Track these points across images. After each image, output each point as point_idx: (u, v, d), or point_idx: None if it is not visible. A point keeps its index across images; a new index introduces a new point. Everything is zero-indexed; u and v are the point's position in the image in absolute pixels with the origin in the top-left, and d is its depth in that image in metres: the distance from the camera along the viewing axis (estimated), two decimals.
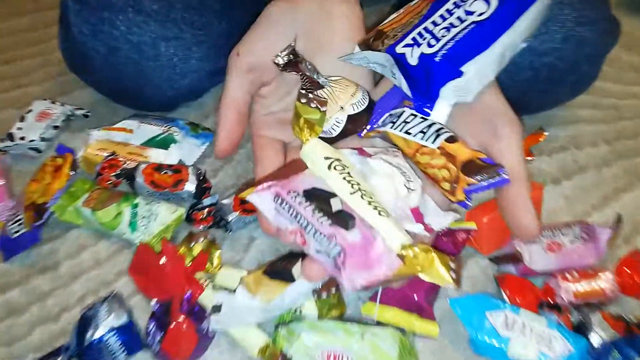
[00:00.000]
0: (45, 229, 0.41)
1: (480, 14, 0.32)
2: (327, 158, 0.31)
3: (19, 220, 0.40)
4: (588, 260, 0.37)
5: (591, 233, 0.38)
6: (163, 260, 0.35)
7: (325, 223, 0.29)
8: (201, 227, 0.41)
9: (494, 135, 0.32)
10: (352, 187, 0.30)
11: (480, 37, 0.32)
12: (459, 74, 0.31)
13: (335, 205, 0.29)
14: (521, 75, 0.45)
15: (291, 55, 0.34)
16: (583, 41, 0.44)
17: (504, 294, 0.37)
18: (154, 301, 0.35)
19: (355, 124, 0.34)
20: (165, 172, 0.43)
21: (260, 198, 0.31)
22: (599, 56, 0.47)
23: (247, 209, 0.41)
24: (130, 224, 0.40)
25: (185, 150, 0.46)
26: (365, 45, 0.36)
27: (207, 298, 0.35)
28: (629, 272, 0.37)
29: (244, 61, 0.36)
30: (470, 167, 0.31)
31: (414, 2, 0.36)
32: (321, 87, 0.34)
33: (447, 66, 0.31)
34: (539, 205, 0.42)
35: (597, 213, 0.44)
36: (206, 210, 0.41)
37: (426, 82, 0.32)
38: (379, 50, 0.34)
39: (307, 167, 0.32)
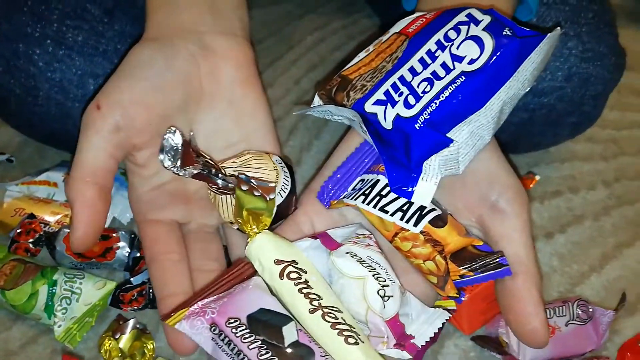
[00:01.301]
0: None
1: (472, 62, 0.25)
2: (278, 262, 0.25)
3: None
4: (587, 347, 0.32)
5: (590, 313, 0.32)
6: None
7: None
8: (130, 309, 0.35)
9: (494, 211, 0.26)
10: (312, 303, 0.24)
11: (472, 94, 0.25)
12: (447, 143, 0.25)
13: (289, 336, 0.23)
14: (514, 117, 0.39)
15: (180, 149, 0.26)
16: (588, 79, 0.38)
17: None
18: None
19: (282, 213, 0.28)
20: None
21: (193, 327, 0.24)
22: (604, 95, 0.41)
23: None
24: (45, 307, 0.34)
25: (119, 206, 0.40)
26: (327, 97, 0.29)
27: None
28: (633, 358, 0.32)
29: (107, 118, 0.28)
30: (462, 256, 0.25)
31: (386, 36, 0.30)
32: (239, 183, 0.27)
33: (432, 135, 0.25)
34: None
35: (595, 276, 0.38)
36: (137, 289, 0.34)
37: (405, 152, 0.26)
38: (344, 106, 0.28)
39: (253, 271, 0.26)
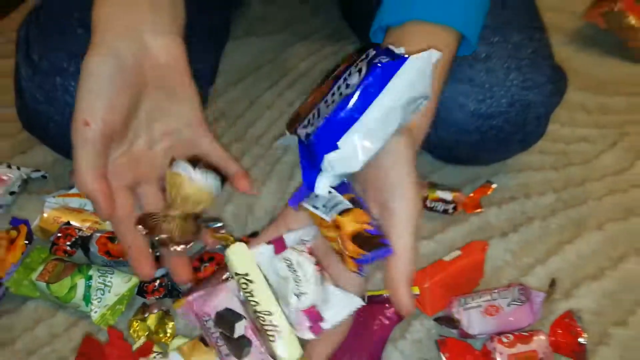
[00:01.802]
0: (2, 303, 0.42)
1: (349, 87, 0.32)
2: (237, 274, 0.34)
3: None
4: (524, 323, 0.39)
5: (527, 296, 0.40)
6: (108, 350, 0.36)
7: (224, 351, 0.33)
8: (153, 298, 0.42)
9: (386, 207, 0.33)
10: (253, 308, 0.33)
11: (350, 109, 0.32)
12: (334, 147, 0.32)
13: (238, 330, 0.33)
14: (470, 137, 0.46)
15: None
16: (529, 105, 0.45)
17: (443, 358, 0.38)
18: None
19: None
20: (119, 241, 0.44)
21: (185, 313, 0.35)
22: (545, 116, 0.48)
23: (199, 277, 0.42)
24: (84, 296, 0.41)
25: None
26: (288, 129, 0.37)
27: None
28: (562, 332, 0.39)
29: (95, 132, 0.35)
30: (358, 239, 0.32)
31: (328, 79, 0.37)
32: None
33: (320, 142, 0.32)
34: (481, 266, 0.43)
35: (540, 267, 0.46)
36: (158, 281, 0.42)
37: (312, 160, 0.34)
38: (292, 134, 0.35)
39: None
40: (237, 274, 0.34)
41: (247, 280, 0.33)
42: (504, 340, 0.38)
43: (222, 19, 0.64)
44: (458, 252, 0.43)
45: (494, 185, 0.50)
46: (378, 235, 0.32)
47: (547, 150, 0.56)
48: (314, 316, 0.33)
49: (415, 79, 0.32)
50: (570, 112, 0.60)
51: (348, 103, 0.32)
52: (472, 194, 0.49)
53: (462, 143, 0.47)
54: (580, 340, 0.38)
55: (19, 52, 0.48)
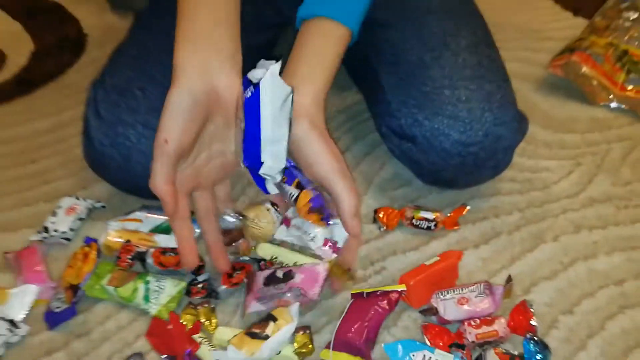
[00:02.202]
0: (79, 303, 0.54)
1: (241, 120, 0.48)
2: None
3: (60, 298, 0.52)
4: (488, 310, 0.50)
5: (490, 290, 0.51)
6: (170, 327, 0.47)
7: (283, 286, 0.49)
8: (197, 297, 0.53)
9: (321, 176, 0.48)
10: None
11: (248, 135, 0.47)
12: (260, 163, 0.48)
13: (279, 273, 0.50)
14: (453, 160, 0.58)
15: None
16: (499, 137, 0.58)
17: (426, 339, 0.49)
18: (164, 357, 0.47)
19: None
20: (169, 254, 0.55)
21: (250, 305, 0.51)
22: (512, 148, 0.60)
23: (233, 282, 0.53)
24: (144, 297, 0.53)
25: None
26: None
27: (202, 353, 0.47)
28: (518, 317, 0.50)
29: (171, 148, 0.45)
30: (311, 212, 0.50)
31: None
32: None
33: (251, 165, 0.49)
34: (456, 269, 0.55)
35: (505, 271, 0.57)
36: (201, 284, 0.53)
37: (255, 174, 0.50)
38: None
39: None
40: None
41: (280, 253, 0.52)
42: (472, 323, 0.49)
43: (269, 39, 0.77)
44: (437, 258, 0.54)
45: (468, 207, 0.61)
46: (319, 205, 0.49)
47: (515, 179, 0.68)
48: (331, 246, 0.50)
49: (274, 89, 0.46)
50: (535, 147, 0.72)
51: (245, 132, 0.47)
52: (450, 214, 0.61)
53: (446, 166, 0.59)
54: (532, 322, 0.49)
55: (89, 107, 0.60)
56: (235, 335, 0.47)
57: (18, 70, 0.90)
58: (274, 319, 0.47)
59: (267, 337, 0.46)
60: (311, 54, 0.53)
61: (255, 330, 0.47)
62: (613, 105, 0.78)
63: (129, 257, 0.56)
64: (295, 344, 0.48)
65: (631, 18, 0.83)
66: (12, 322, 0.51)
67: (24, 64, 0.92)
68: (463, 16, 0.66)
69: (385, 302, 0.50)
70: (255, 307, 0.51)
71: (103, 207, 0.64)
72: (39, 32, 1.01)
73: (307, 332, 0.49)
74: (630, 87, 0.77)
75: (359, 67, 0.72)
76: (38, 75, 0.89)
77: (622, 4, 0.87)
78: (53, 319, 0.52)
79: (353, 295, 0.52)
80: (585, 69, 0.78)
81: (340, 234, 0.50)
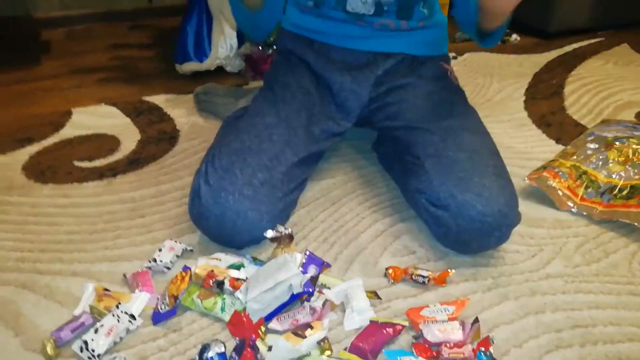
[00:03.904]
0: (177, 310, 0.78)
1: None
2: None
3: (165, 303, 0.77)
4: (460, 339, 0.71)
5: (464, 326, 0.73)
6: (244, 319, 0.71)
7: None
8: None
9: None
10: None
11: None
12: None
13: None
14: (474, 225, 0.83)
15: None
16: (506, 215, 0.83)
17: (414, 351, 0.70)
18: (237, 340, 0.70)
19: None
20: (239, 281, 0.80)
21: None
22: (512, 225, 0.85)
23: None
24: (221, 308, 0.77)
25: (249, 270, 0.84)
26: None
27: (262, 340, 0.70)
28: (480, 345, 0.71)
29: None
30: None
31: None
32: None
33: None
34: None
35: (477, 316, 0.78)
36: None
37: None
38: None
39: None
40: None
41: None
42: (448, 345, 0.71)
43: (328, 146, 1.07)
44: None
45: (452, 271, 0.84)
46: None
47: (493, 256, 0.90)
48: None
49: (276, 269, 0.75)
50: (511, 236, 0.96)
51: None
52: (439, 274, 0.84)
53: (468, 229, 0.83)
54: (490, 350, 0.70)
55: (200, 176, 0.86)
56: (285, 333, 0.70)
57: (129, 153, 1.22)
58: (311, 327, 0.70)
59: (305, 337, 0.69)
60: None
61: (299, 332, 0.70)
62: (574, 210, 1.02)
63: (212, 281, 0.81)
64: (320, 349, 0.70)
65: (592, 147, 1.09)
66: (132, 316, 0.75)
67: (134, 148, 1.24)
68: (484, 134, 0.96)
69: (391, 329, 0.73)
70: (276, 325, 0.73)
71: (191, 250, 0.90)
72: (144, 126, 1.34)
73: (327, 340, 0.71)
74: (587, 199, 1.02)
75: (403, 156, 0.98)
76: (144, 158, 1.20)
77: (588, 137, 1.14)
78: (158, 317, 0.76)
79: (370, 321, 0.75)
80: (553, 182, 1.04)
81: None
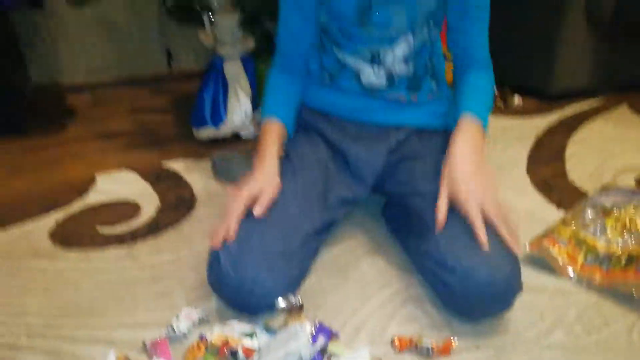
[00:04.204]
0: None
1: None
2: None
3: None
4: None
5: None
6: None
7: None
8: None
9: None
10: None
11: None
12: None
13: None
14: (478, 289, 0.86)
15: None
16: (509, 283, 0.87)
17: None
18: None
19: None
20: (251, 350, 0.84)
21: None
22: (514, 293, 0.89)
23: None
24: None
25: (262, 338, 0.88)
26: None
27: None
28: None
29: (243, 198, 0.93)
30: None
31: None
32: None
33: None
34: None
35: None
36: None
37: None
38: None
39: None
40: None
41: None
42: None
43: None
44: None
45: (455, 342, 0.88)
46: None
47: (493, 323, 0.94)
48: None
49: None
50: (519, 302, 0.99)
51: None
52: (443, 345, 0.88)
53: (474, 293, 0.86)
54: None
55: (222, 257, 0.91)
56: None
57: (149, 219, 1.28)
58: None
59: None
60: None
61: None
62: (574, 278, 1.05)
63: (226, 350, 0.85)
64: None
65: (590, 216, 1.14)
66: None
67: (153, 214, 1.31)
68: None
69: None
70: None
71: (208, 321, 0.95)
72: (163, 191, 1.41)
73: None
74: (587, 266, 1.05)
75: (411, 220, 1.03)
76: (163, 224, 1.26)
77: (585, 205, 1.19)
78: None
79: None
80: (553, 250, 1.08)
81: None
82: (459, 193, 0.92)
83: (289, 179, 1.04)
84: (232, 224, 0.91)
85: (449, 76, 1.16)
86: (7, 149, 1.69)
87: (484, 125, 1.01)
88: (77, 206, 1.34)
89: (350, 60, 1.10)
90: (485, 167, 0.96)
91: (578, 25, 1.97)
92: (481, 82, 1.08)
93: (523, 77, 2.12)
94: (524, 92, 2.10)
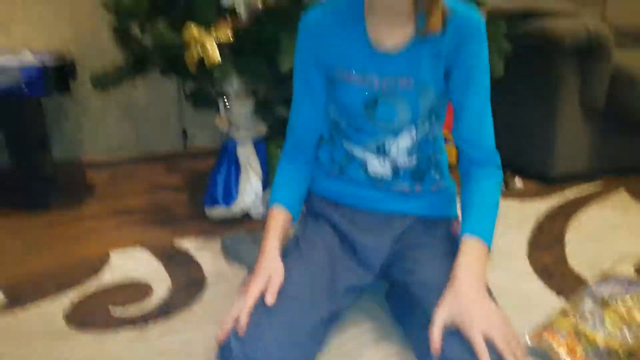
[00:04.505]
0: None
1: None
2: None
3: None
4: None
5: None
6: None
7: None
8: None
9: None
10: None
11: None
12: None
13: None
14: None
15: None
16: None
17: None
18: None
19: None
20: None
21: None
22: None
23: None
24: None
25: None
26: None
27: None
28: None
29: (257, 284, 1.00)
30: None
31: None
32: None
33: None
34: None
35: None
36: None
37: None
38: None
39: None
40: None
41: None
42: None
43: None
44: None
45: None
46: None
47: None
48: None
49: None
50: None
51: None
52: None
53: None
54: None
55: (233, 345, 0.94)
56: None
57: (160, 300, 1.33)
58: None
59: None
60: None
61: None
62: None
63: None
64: None
65: (589, 308, 1.17)
66: None
67: (164, 295, 1.35)
68: (493, 300, 1.03)
69: None
70: None
71: None
72: (175, 271, 1.46)
73: None
74: (585, 358, 1.08)
75: (415, 309, 1.06)
76: (174, 305, 1.31)
77: (584, 296, 1.22)
78: None
79: None
80: (553, 343, 1.11)
81: None
82: (463, 319, 0.94)
83: (297, 266, 1.09)
84: (242, 318, 0.96)
85: (451, 158, 1.22)
86: (28, 224, 1.77)
87: (489, 245, 1.02)
88: (91, 285, 1.39)
89: (358, 152, 1.18)
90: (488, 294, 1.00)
91: (574, 113, 2.08)
92: (487, 190, 1.09)
93: (523, 160, 2.20)
94: (524, 175, 2.18)
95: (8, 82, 1.63)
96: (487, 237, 1.04)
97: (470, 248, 1.02)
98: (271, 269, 1.05)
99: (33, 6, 2.09)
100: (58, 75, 1.75)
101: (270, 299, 0.98)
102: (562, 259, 1.54)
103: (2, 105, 1.74)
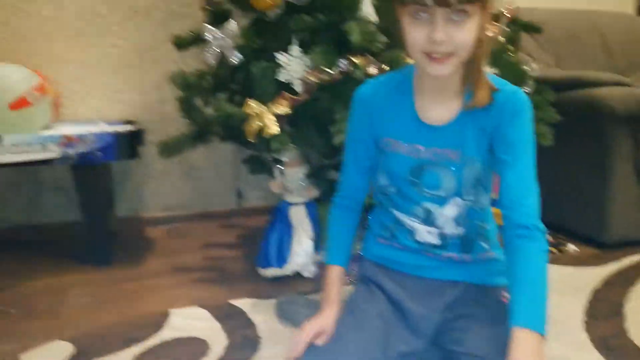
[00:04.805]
0: None
1: None
2: None
3: None
4: None
5: None
6: None
7: None
8: None
9: None
10: None
11: None
12: None
13: None
14: None
15: None
16: None
17: None
18: None
19: None
20: None
21: None
22: None
23: None
24: None
25: None
26: None
27: None
28: None
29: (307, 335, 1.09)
30: None
31: None
32: None
33: None
34: None
35: None
36: None
37: None
38: None
39: None
40: None
41: None
42: None
43: None
44: None
45: None
46: None
47: None
48: None
49: None
50: None
51: None
52: None
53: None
54: None
55: None
56: None
57: (217, 359, 1.38)
58: None
59: None
60: None
61: None
62: None
63: None
64: None
65: None
66: None
67: (221, 354, 1.40)
68: None
69: None
70: None
71: None
72: (230, 330, 1.51)
73: None
74: None
75: None
76: None
77: None
78: None
79: None
80: None
81: None
82: None
83: (351, 335, 1.12)
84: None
85: (498, 220, 1.22)
86: (94, 280, 1.88)
87: (543, 333, 0.98)
88: (153, 341, 1.46)
89: (406, 220, 1.22)
90: None
91: (628, 177, 2.06)
92: (534, 264, 1.05)
93: (577, 225, 2.17)
94: (578, 240, 2.14)
95: (85, 149, 1.78)
96: (539, 326, 0.98)
97: (524, 341, 0.96)
98: (328, 325, 1.16)
99: (106, 79, 2.30)
100: (128, 142, 1.90)
101: (323, 339, 1.12)
102: (622, 331, 1.50)
103: (79, 169, 1.89)
